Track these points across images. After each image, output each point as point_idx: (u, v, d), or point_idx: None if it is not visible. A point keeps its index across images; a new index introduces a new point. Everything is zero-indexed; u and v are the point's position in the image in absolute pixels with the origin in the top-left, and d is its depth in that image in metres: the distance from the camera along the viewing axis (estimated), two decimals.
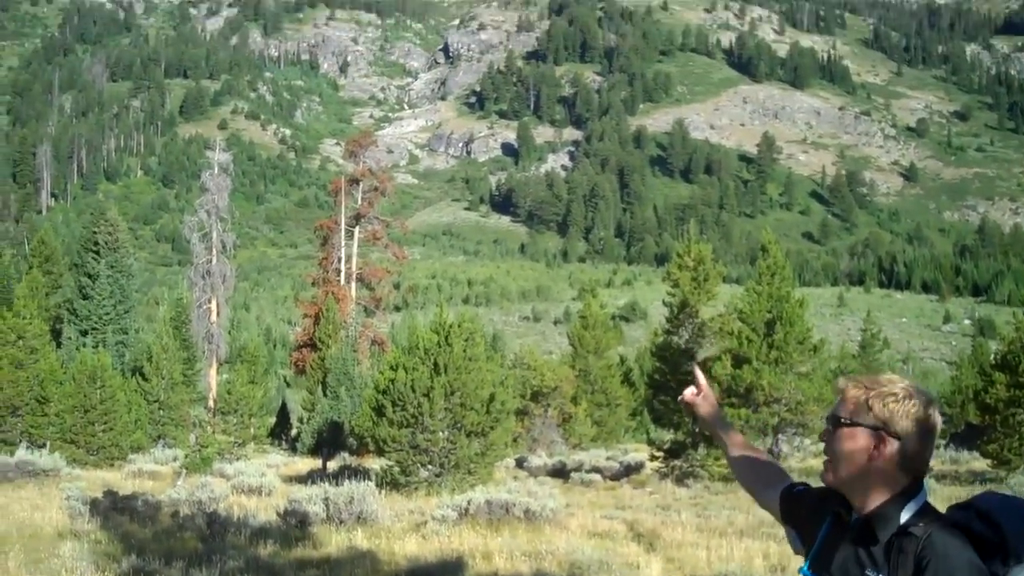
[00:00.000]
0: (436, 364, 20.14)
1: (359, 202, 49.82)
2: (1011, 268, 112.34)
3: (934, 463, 26.83)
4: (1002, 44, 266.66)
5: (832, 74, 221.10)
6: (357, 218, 49.35)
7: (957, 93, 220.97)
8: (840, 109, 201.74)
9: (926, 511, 2.30)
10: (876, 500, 2.31)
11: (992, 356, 28.86)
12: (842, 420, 2.34)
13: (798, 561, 2.39)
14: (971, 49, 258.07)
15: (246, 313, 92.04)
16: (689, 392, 2.82)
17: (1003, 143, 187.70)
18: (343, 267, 48.31)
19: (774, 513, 2.75)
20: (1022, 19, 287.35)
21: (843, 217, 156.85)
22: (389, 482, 19.75)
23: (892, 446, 2.29)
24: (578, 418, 36.51)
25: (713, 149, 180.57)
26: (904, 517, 2.27)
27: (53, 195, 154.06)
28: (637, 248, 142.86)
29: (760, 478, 2.83)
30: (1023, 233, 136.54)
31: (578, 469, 25.63)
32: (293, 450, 38.82)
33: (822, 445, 2.40)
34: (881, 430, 2.29)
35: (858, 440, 2.32)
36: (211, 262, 44.15)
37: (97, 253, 43.12)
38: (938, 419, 2.33)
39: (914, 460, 2.33)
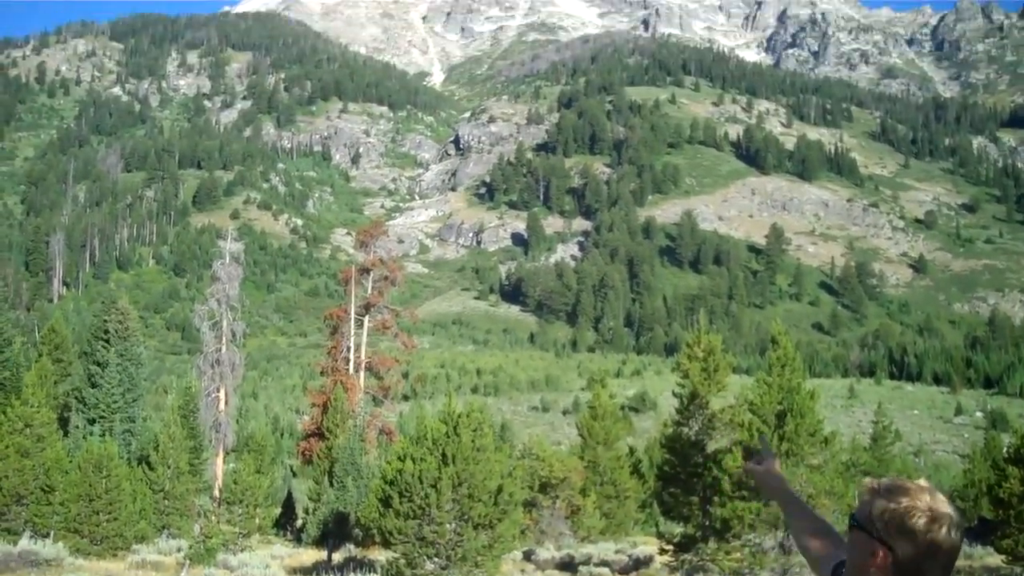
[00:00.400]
0: (444, 455, 20.01)
1: (369, 291, 49.99)
2: (1022, 360, 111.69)
3: None
4: (1008, 137, 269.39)
5: (840, 166, 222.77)
6: (367, 307, 49.47)
7: (965, 185, 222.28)
8: (848, 201, 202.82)
9: None
10: None
11: (1005, 449, 28.56)
12: (851, 521, 2.30)
13: None
14: (978, 142, 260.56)
15: (254, 402, 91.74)
16: (755, 464, 2.79)
17: (1012, 235, 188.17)
18: (352, 356, 48.32)
19: None
20: None
21: (853, 308, 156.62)
22: (395, 575, 19.50)
23: (886, 558, 2.24)
24: (587, 510, 36.07)
25: (722, 240, 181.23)
26: None
27: (65, 284, 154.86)
28: (646, 338, 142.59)
29: (816, 549, 2.74)
30: None
31: (587, 563, 25.28)
32: (298, 541, 38.39)
33: None
34: (877, 538, 2.25)
35: (858, 544, 2.30)
36: (221, 351, 44.15)
37: (107, 341, 43.21)
38: (948, 538, 2.24)
39: (874, 563, 2.27)
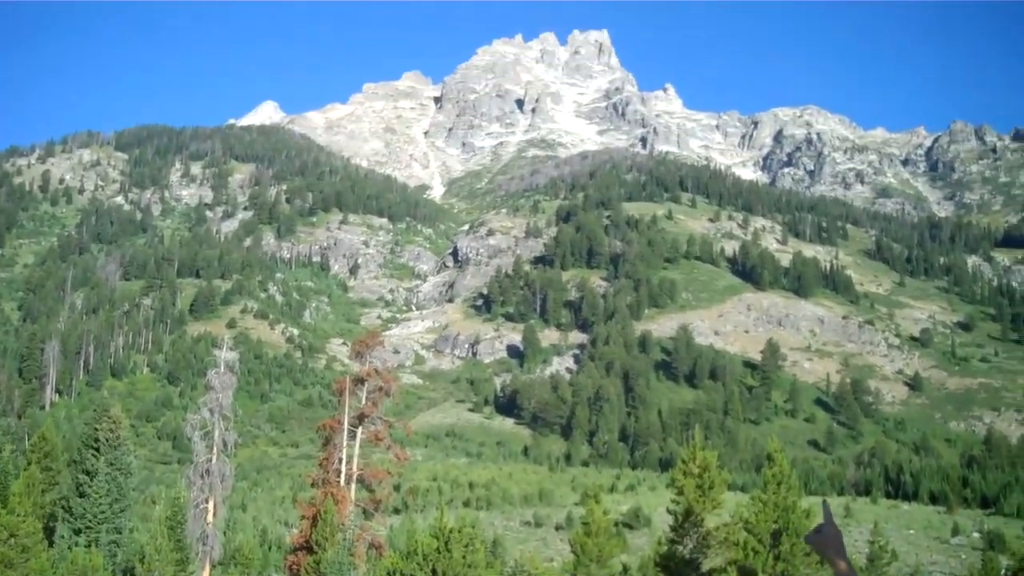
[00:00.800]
0: (435, 570, 19.75)
1: (363, 402, 49.74)
2: (1019, 480, 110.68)
3: None
4: (1003, 257, 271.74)
5: (835, 283, 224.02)
6: (360, 418, 49.16)
7: (960, 304, 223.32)
8: (844, 318, 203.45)
9: None
10: None
11: (1003, 571, 28.13)
12: None
13: None
14: (972, 261, 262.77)
15: (243, 513, 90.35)
16: (815, 535, 2.78)
17: (1007, 354, 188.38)
18: (343, 468, 47.85)
19: None
20: (1021, 233, 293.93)
21: (849, 425, 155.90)
22: None
23: None
24: None
25: (718, 355, 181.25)
26: None
27: (58, 391, 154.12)
28: (641, 452, 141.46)
29: None
30: None
31: None
32: None
33: None
34: None
35: None
36: (211, 461, 43.80)
37: (97, 450, 42.81)
38: None
39: None
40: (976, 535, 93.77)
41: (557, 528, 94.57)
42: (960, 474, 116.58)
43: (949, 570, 78.01)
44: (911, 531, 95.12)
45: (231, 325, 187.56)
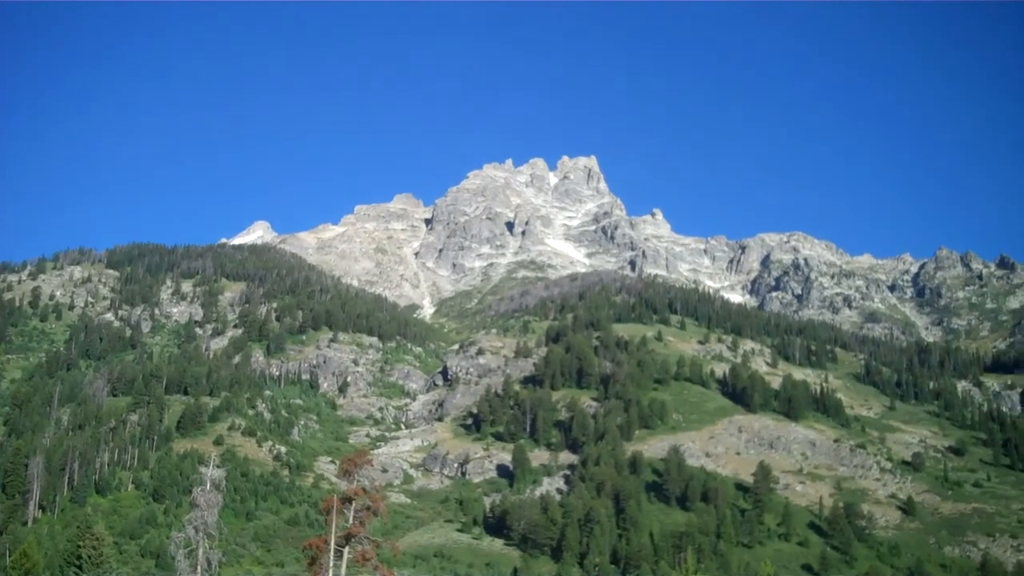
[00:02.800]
0: None
1: (350, 521, 49.16)
2: None
3: None
4: (992, 382, 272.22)
5: (826, 407, 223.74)
6: (347, 538, 48.50)
7: (951, 428, 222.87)
8: (835, 441, 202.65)
9: None
10: None
11: None
12: None
13: None
14: (962, 386, 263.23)
15: None
16: None
17: (1000, 479, 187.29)
18: None
19: None
20: (1010, 358, 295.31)
21: (842, 550, 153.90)
22: None
23: None
24: None
25: (709, 477, 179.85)
26: None
27: (41, 507, 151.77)
28: (633, 575, 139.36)
29: None
30: None
31: None
32: None
33: None
34: None
35: None
36: None
37: (79, 568, 41.97)
38: None
39: None
40: None
41: None
42: None
43: None
44: None
45: (218, 442, 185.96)
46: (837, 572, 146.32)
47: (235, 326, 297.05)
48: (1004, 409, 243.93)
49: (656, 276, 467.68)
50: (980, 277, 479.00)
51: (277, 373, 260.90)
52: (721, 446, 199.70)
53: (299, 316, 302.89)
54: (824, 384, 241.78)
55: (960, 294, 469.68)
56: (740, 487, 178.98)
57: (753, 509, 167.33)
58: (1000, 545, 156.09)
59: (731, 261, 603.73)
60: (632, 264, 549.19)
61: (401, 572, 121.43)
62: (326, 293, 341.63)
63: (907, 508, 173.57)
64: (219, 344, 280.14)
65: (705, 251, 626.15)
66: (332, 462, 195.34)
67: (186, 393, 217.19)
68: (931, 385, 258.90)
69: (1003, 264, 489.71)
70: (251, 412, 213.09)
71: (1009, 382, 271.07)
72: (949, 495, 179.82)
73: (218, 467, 48.33)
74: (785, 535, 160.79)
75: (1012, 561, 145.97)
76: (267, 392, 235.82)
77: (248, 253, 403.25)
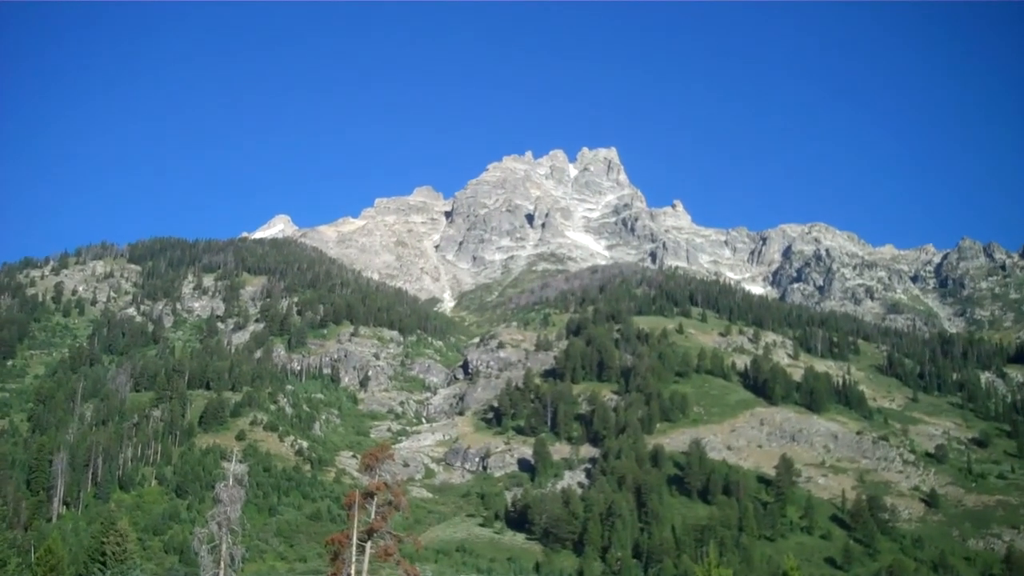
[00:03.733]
0: None
1: (372, 516, 49.20)
2: None
3: None
4: (1016, 373, 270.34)
5: (848, 399, 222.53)
6: (370, 533, 48.55)
7: (974, 420, 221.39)
8: (858, 434, 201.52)
9: None
10: None
11: None
12: None
13: None
14: (985, 377, 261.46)
15: None
16: None
17: None
18: None
19: None
20: None
21: (865, 543, 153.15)
22: None
23: None
24: None
25: (731, 470, 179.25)
26: None
27: (65, 503, 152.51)
28: (655, 570, 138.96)
29: None
30: None
31: None
32: None
33: None
34: None
35: None
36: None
37: (104, 564, 42.09)
38: None
39: None
40: None
41: None
42: None
43: None
44: None
45: (240, 437, 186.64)
46: (860, 565, 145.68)
47: (256, 320, 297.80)
48: None
49: (676, 268, 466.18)
50: (1003, 267, 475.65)
51: (298, 367, 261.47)
52: (743, 439, 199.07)
53: (320, 310, 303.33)
54: (846, 376, 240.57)
55: (983, 284, 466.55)
56: (762, 480, 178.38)
57: (775, 502, 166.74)
58: None
59: (752, 252, 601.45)
60: (652, 256, 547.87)
61: (423, 567, 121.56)
62: (347, 287, 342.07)
63: (930, 500, 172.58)
64: (241, 338, 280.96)
65: (726, 243, 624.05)
66: (354, 457, 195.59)
67: (208, 388, 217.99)
68: (954, 376, 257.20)
69: None
70: (273, 407, 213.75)
71: None
72: (973, 487, 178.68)
73: (240, 462, 48.48)
74: (808, 528, 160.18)
75: None
76: (288, 387, 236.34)
77: (269, 247, 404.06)
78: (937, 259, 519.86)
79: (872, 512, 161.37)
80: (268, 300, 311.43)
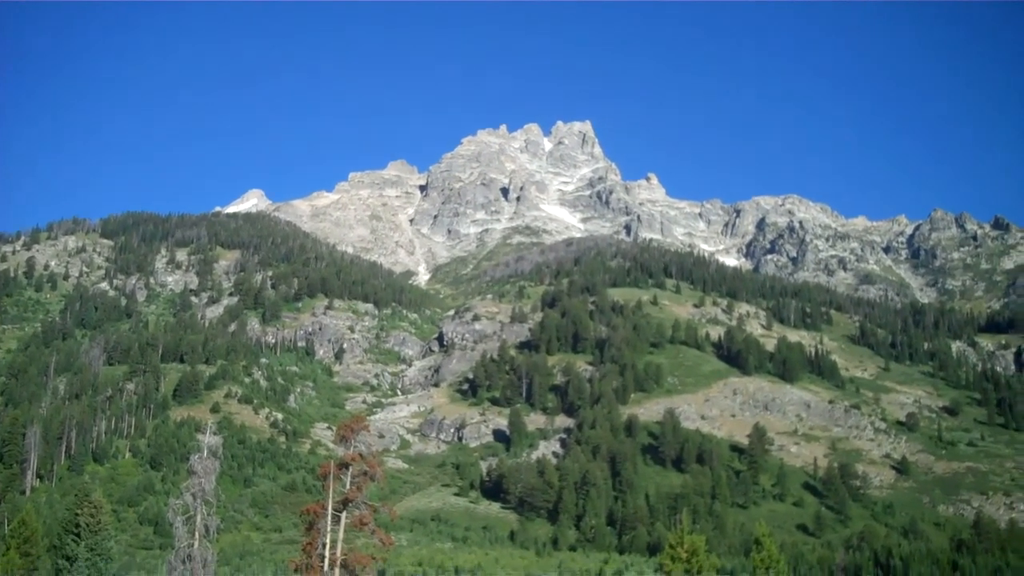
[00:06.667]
0: None
1: (347, 487, 49.30)
2: (1009, 565, 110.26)
3: None
4: (986, 342, 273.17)
5: (820, 368, 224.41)
6: (344, 503, 48.68)
7: (945, 388, 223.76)
8: (830, 402, 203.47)
9: None
10: None
11: None
12: None
13: None
14: (956, 346, 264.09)
15: None
16: None
17: (993, 438, 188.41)
18: (327, 553, 47.25)
19: None
20: (1004, 319, 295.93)
21: (837, 509, 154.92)
22: None
23: None
24: None
25: (705, 439, 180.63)
26: None
27: (39, 476, 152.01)
28: (629, 537, 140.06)
29: None
30: (1020, 529, 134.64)
31: None
32: None
33: None
34: None
35: None
36: (193, 546, 43.30)
37: (78, 535, 42.16)
38: None
39: None
40: None
41: None
42: (950, 558, 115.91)
43: None
44: None
45: (215, 410, 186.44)
46: (832, 531, 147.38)
47: (230, 294, 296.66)
48: (998, 369, 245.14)
49: (651, 240, 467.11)
50: (975, 238, 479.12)
51: (273, 341, 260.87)
52: (716, 408, 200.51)
53: (294, 284, 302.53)
54: (819, 346, 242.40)
55: (955, 255, 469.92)
56: (735, 449, 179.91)
57: (748, 470, 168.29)
58: (993, 503, 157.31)
59: (726, 225, 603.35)
60: (627, 229, 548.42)
61: (398, 536, 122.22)
62: (321, 261, 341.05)
63: (901, 468, 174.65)
64: (215, 312, 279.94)
65: (700, 215, 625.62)
66: (329, 428, 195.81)
67: (182, 361, 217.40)
68: (926, 346, 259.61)
69: (998, 225, 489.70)
70: (247, 380, 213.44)
71: (1003, 342, 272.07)
72: (943, 454, 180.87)
73: (215, 434, 48.46)
74: (780, 496, 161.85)
75: (1005, 519, 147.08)
76: (263, 360, 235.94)
77: (242, 221, 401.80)
78: (909, 230, 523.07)
79: (844, 479, 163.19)
80: (242, 274, 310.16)
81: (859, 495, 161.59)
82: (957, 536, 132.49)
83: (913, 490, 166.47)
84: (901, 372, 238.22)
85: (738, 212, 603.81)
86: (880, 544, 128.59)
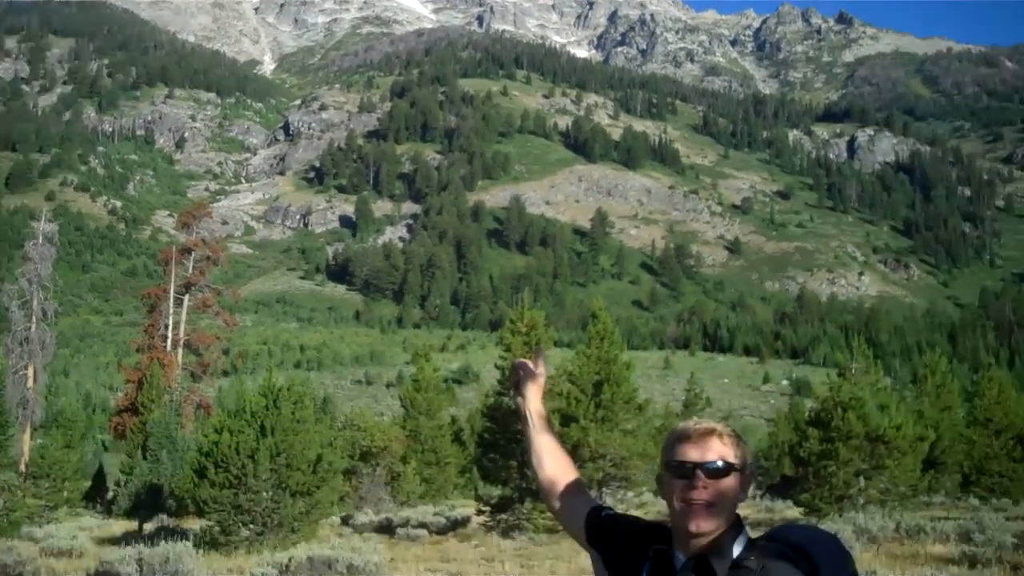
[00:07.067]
0: (263, 426, 19.87)
1: (190, 271, 49.10)
2: (827, 333, 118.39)
3: (749, 512, 27.77)
4: (822, 131, 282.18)
5: (663, 156, 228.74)
6: (187, 286, 48.60)
7: (780, 174, 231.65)
8: (670, 188, 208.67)
9: (753, 544, 2.33)
10: (712, 537, 2.32)
11: (807, 413, 30.01)
12: (731, 466, 2.33)
13: None
14: (793, 135, 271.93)
15: (65, 379, 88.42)
16: (528, 363, 2.74)
17: (821, 220, 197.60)
18: (170, 334, 47.35)
19: (575, 532, 2.69)
20: (840, 109, 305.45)
21: (671, 287, 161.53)
22: (208, 542, 19.26)
23: (746, 484, 2.37)
24: (407, 476, 36.22)
25: (548, 223, 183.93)
26: (736, 551, 2.29)
27: None
28: (472, 315, 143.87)
29: (565, 489, 2.73)
30: (838, 301, 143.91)
31: (404, 525, 25.41)
32: (108, 513, 37.43)
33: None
34: (742, 470, 2.36)
35: (733, 483, 2.34)
36: (30, 329, 42.68)
37: None
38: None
39: (746, 493, 2.42)
40: (785, 383, 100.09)
41: (388, 386, 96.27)
42: (773, 329, 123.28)
43: (759, 414, 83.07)
44: (725, 380, 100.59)
45: (50, 198, 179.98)
46: (665, 307, 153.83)
47: (64, 83, 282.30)
48: (831, 156, 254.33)
49: (503, 32, 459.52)
50: (819, 32, 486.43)
51: (110, 130, 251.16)
52: (561, 195, 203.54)
53: (132, 72, 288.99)
54: (663, 135, 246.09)
55: (799, 48, 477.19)
56: (578, 232, 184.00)
57: (589, 252, 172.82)
58: (817, 279, 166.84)
59: (579, 16, 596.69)
60: (480, 20, 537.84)
61: (243, 317, 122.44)
62: (161, 49, 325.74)
63: (733, 248, 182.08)
64: (47, 101, 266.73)
65: (553, 7, 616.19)
66: (170, 216, 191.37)
67: (14, 150, 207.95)
68: (764, 135, 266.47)
69: (842, 19, 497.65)
70: (84, 168, 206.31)
71: (838, 131, 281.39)
72: (774, 236, 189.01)
73: (50, 221, 47.11)
74: (618, 275, 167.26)
75: (826, 293, 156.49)
76: (100, 148, 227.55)
77: (76, 9, 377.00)
78: (757, 23, 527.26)
79: (679, 259, 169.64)
80: (77, 63, 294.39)
81: (692, 273, 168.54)
82: (781, 309, 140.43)
83: (743, 268, 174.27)
84: (740, 159, 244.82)
85: (591, 4, 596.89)
86: (710, 317, 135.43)
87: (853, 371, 26.95)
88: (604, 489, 24.91)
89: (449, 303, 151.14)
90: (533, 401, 2.64)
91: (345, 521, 28.88)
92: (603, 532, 2.60)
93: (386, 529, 25.78)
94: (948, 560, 13.80)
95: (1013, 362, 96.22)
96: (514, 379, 2.70)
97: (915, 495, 27.13)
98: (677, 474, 2.37)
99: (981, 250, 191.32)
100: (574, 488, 2.73)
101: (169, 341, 47.31)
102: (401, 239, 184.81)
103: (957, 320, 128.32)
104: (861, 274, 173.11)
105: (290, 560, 13.70)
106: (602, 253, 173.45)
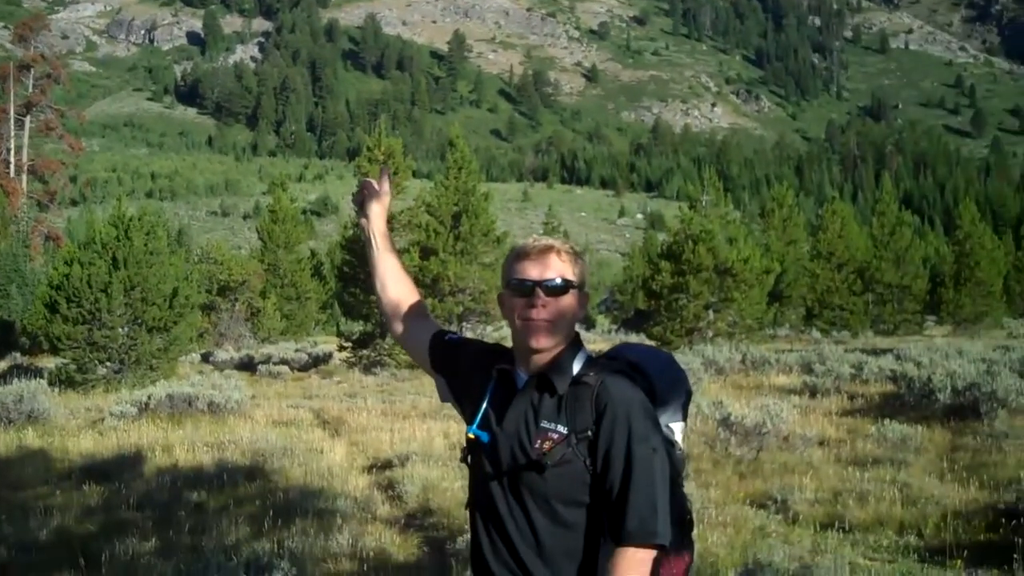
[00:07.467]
0: (115, 259, 19.42)
1: (30, 90, 46.75)
2: (680, 166, 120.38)
3: (604, 346, 28.73)
4: None
5: None
6: (28, 107, 46.30)
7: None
8: (528, 10, 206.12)
9: (592, 362, 2.35)
10: (553, 354, 2.33)
11: (660, 247, 30.84)
12: (570, 283, 2.33)
13: None
14: None
15: None
16: (372, 182, 2.72)
17: (677, 48, 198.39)
18: (12, 159, 45.39)
19: (419, 356, 2.68)
20: None
21: (529, 116, 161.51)
22: (64, 380, 19.02)
23: (583, 301, 2.37)
24: (267, 312, 36.12)
25: (405, 45, 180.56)
26: (576, 368, 2.31)
27: None
28: (329, 143, 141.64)
29: (408, 312, 2.71)
30: (692, 133, 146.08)
31: (266, 362, 25.59)
32: None
33: (505, 331, 2.48)
34: (580, 287, 2.36)
35: (572, 300, 2.34)
36: None
37: None
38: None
39: (584, 310, 2.42)
40: (640, 216, 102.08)
41: (245, 217, 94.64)
42: (629, 161, 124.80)
43: (615, 248, 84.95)
44: (583, 213, 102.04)
45: None
46: (523, 137, 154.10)
47: None
48: None
49: None
50: None
51: None
52: (418, 14, 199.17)
53: None
54: None
55: None
56: (435, 55, 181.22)
57: (447, 77, 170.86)
58: (671, 110, 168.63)
59: None
60: None
61: (89, 142, 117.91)
62: None
63: (591, 75, 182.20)
64: None
65: None
66: (5, 28, 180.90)
67: None
68: None
69: None
70: None
71: None
72: (630, 63, 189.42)
73: None
74: (476, 102, 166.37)
75: (680, 124, 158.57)
76: None
77: None
78: None
79: (537, 87, 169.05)
80: None
81: (550, 102, 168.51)
82: (636, 140, 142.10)
83: (600, 97, 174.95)
84: None
85: None
86: (567, 148, 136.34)
87: (704, 204, 27.76)
88: (464, 324, 25.43)
89: (305, 129, 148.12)
90: (377, 221, 2.60)
91: (205, 358, 28.80)
92: (447, 356, 2.59)
93: (247, 366, 25.89)
94: (791, 390, 14.56)
95: (856, 196, 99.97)
96: (358, 199, 2.70)
97: (761, 328, 28.51)
98: (517, 292, 2.36)
99: (829, 82, 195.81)
100: (417, 312, 2.71)
101: (12, 167, 45.36)
102: (253, 59, 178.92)
103: (804, 153, 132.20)
104: (714, 105, 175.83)
105: (149, 398, 13.62)
106: (460, 79, 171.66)
